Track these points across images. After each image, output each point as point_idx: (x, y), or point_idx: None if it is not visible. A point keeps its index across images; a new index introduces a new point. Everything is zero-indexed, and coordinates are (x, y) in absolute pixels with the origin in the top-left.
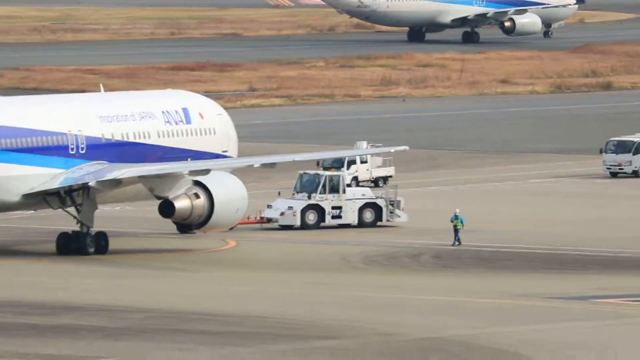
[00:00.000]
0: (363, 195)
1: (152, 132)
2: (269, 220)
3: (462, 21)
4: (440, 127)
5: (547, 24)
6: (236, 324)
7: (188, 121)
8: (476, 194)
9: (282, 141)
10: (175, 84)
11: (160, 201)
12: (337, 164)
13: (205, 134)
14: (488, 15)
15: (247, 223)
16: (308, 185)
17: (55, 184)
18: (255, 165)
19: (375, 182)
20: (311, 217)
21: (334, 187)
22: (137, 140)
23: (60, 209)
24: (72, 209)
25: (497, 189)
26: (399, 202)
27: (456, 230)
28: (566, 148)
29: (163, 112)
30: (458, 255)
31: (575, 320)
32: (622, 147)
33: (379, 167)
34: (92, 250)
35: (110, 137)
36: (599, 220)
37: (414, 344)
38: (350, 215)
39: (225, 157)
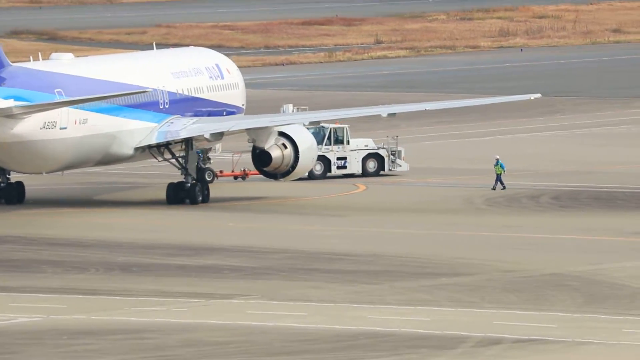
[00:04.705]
0: (366, 146)
1: (203, 87)
2: None
3: None
4: (556, 74)
5: None
6: (367, 262)
7: (222, 77)
8: (591, 137)
9: (407, 90)
10: (307, 38)
11: (256, 152)
12: None
13: (233, 88)
14: None
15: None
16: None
17: (160, 138)
18: (383, 115)
19: None
20: (318, 168)
21: (338, 139)
22: (196, 95)
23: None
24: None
25: (611, 133)
26: (399, 151)
27: (498, 176)
28: None
29: (206, 68)
30: (576, 196)
31: None
32: None
33: None
34: (200, 199)
35: (181, 92)
36: None
37: (535, 279)
38: (354, 165)
39: (242, 110)
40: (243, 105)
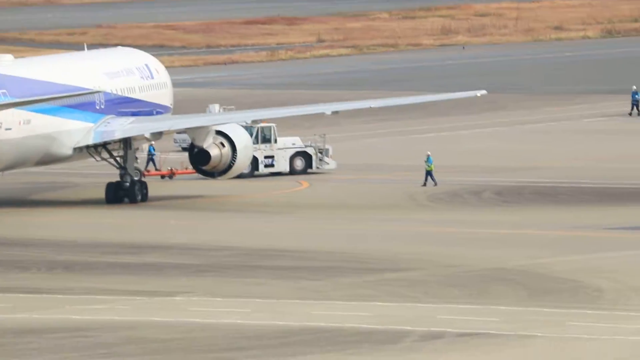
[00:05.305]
0: (293, 144)
1: (135, 88)
2: None
3: None
4: (498, 72)
5: None
6: (310, 259)
7: (152, 76)
8: (535, 134)
9: (350, 89)
10: (249, 38)
11: (194, 151)
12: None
13: (162, 88)
14: None
15: (185, 173)
16: None
17: (97, 138)
18: (327, 113)
19: None
20: None
21: (265, 137)
22: (129, 95)
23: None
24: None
25: (553, 129)
26: (327, 150)
27: (428, 172)
28: (618, 89)
29: (137, 68)
30: (519, 192)
31: (636, 249)
32: None
33: None
34: (139, 198)
35: (115, 92)
36: None
37: (477, 274)
38: (282, 164)
39: (169, 109)
40: (171, 104)
